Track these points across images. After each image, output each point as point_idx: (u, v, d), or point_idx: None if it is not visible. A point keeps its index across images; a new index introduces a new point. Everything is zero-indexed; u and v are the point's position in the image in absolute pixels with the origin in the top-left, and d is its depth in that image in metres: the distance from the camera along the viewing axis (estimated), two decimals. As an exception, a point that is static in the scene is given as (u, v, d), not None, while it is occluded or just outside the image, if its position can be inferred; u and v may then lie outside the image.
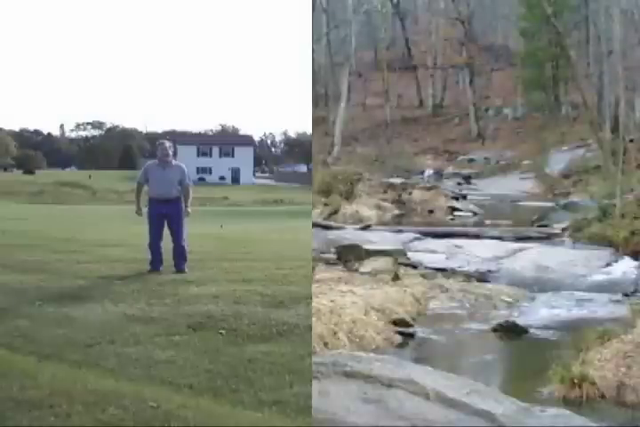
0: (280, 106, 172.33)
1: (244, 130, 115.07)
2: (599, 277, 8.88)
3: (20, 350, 5.19)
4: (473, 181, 26.42)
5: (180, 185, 8.73)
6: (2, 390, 4.17)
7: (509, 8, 41.59)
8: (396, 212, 16.64)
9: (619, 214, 11.20)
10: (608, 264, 9.29)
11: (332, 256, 9.53)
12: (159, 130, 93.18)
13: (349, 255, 9.28)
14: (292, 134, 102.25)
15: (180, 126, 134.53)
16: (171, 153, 8.86)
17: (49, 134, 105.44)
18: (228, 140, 79.57)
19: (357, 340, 6.00)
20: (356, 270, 8.82)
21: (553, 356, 5.36)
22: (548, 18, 24.58)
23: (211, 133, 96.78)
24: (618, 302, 7.92)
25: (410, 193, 18.09)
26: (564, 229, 12.29)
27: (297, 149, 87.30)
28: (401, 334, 6.52)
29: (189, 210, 8.78)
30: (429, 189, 19.20)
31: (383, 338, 6.26)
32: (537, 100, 32.86)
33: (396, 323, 6.65)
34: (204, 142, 76.47)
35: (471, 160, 31.78)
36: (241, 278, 7.98)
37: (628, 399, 4.75)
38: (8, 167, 79.03)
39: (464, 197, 19.41)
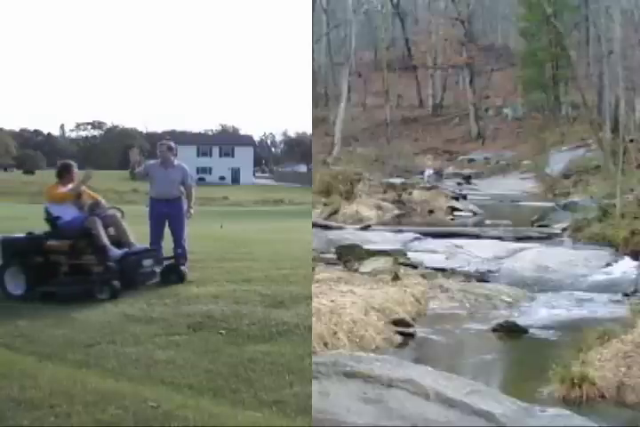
0: (280, 106, 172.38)
1: (244, 130, 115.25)
2: (599, 277, 8.88)
3: (20, 350, 5.21)
4: (473, 181, 26.44)
5: (183, 185, 8.72)
6: (2, 390, 4.17)
7: (509, 8, 41.67)
8: (396, 212, 16.64)
9: (619, 214, 11.20)
10: (608, 264, 9.28)
11: (332, 256, 9.53)
12: (159, 130, 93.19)
13: (349, 255, 9.27)
14: (292, 134, 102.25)
15: (180, 126, 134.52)
16: (172, 153, 8.86)
17: (49, 134, 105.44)
18: (227, 141, 79.56)
19: (357, 340, 6.00)
20: (356, 270, 8.81)
21: (553, 356, 5.36)
22: (548, 18, 24.63)
23: (211, 133, 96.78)
24: (618, 302, 7.93)
25: (410, 193, 18.08)
26: (564, 229, 12.29)
27: (297, 149, 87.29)
28: (401, 334, 6.53)
29: (192, 211, 8.77)
30: (429, 189, 19.20)
31: (383, 338, 6.26)
32: (537, 100, 32.88)
33: (395, 323, 6.65)
34: (203, 142, 76.48)
35: (471, 160, 31.81)
36: (241, 278, 7.97)
37: (628, 399, 4.75)
38: (8, 167, 79.03)
39: (464, 197, 19.41)
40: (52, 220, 7.64)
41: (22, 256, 7.43)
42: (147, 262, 7.60)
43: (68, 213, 7.62)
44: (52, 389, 4.19)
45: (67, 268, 7.41)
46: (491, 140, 34.34)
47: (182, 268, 7.97)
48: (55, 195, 7.74)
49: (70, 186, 7.85)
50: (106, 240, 7.39)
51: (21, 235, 7.79)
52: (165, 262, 7.94)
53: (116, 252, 7.38)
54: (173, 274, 7.88)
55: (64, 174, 7.95)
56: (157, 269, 7.78)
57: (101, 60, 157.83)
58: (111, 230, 7.63)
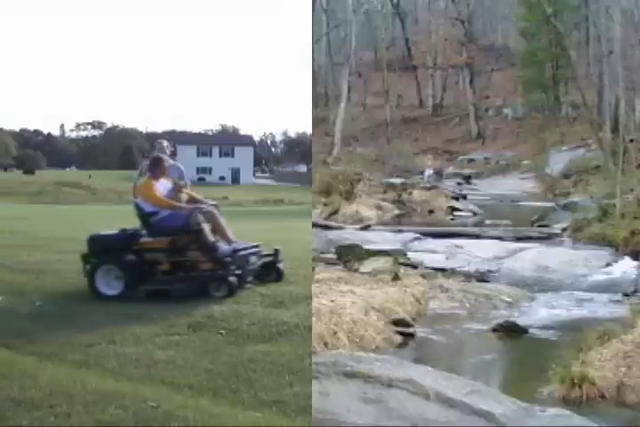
0: (280, 106, 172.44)
1: (244, 130, 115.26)
2: (599, 277, 8.88)
3: (20, 350, 5.20)
4: (473, 181, 26.46)
5: (178, 185, 8.72)
6: (2, 390, 4.17)
7: (509, 8, 41.71)
8: (396, 212, 16.64)
9: (619, 214, 11.19)
10: (608, 264, 9.28)
11: (332, 256, 9.53)
12: (159, 130, 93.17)
13: (349, 255, 9.27)
14: (292, 134, 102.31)
15: (180, 126, 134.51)
16: (168, 153, 8.86)
17: (49, 134, 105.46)
18: (227, 141, 79.54)
19: (357, 340, 6.00)
20: (356, 270, 8.81)
21: (553, 356, 5.36)
22: (548, 18, 24.64)
23: (211, 133, 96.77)
24: (618, 302, 7.93)
25: (410, 193, 18.09)
26: (564, 229, 12.29)
27: (297, 149, 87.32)
28: (401, 334, 6.52)
29: None
30: (429, 189, 19.21)
31: (383, 338, 6.26)
32: (537, 100, 32.90)
33: (395, 323, 6.65)
34: (203, 142, 76.47)
35: (471, 160, 31.82)
36: (241, 278, 7.95)
37: (628, 399, 4.75)
38: (8, 167, 79.04)
39: (464, 197, 19.41)
40: (145, 216, 7.24)
41: (115, 255, 7.06)
42: (253, 259, 7.31)
43: (164, 208, 7.21)
44: (51, 389, 4.18)
45: (167, 266, 7.03)
46: (491, 140, 34.35)
47: (280, 265, 7.63)
48: (153, 198, 7.24)
49: (164, 181, 7.48)
50: (212, 236, 7.04)
51: (113, 232, 7.42)
52: (264, 260, 7.57)
53: (225, 248, 7.05)
54: (273, 272, 7.53)
55: (154, 169, 7.52)
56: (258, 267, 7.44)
57: (102, 60, 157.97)
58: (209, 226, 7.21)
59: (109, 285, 7.03)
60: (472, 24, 38.71)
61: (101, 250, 7.24)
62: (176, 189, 7.50)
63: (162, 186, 7.44)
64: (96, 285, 7.05)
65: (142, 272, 7.02)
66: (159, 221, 7.17)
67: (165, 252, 7.05)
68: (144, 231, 7.34)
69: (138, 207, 7.34)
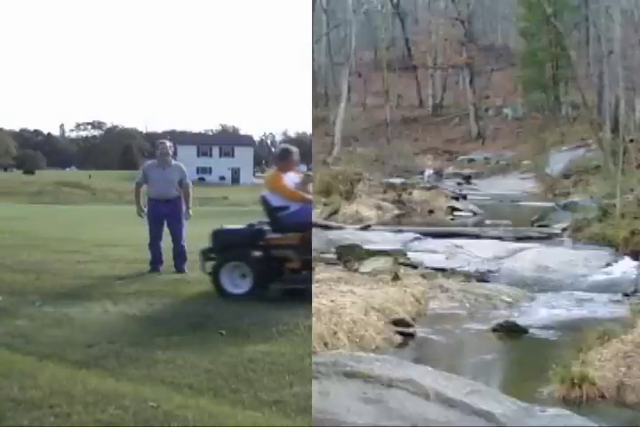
0: (280, 106, 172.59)
1: (244, 130, 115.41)
2: (599, 277, 8.86)
3: (20, 350, 5.19)
4: (473, 181, 26.44)
5: (180, 185, 8.73)
6: (2, 390, 4.17)
7: (509, 8, 41.73)
8: (396, 212, 16.63)
9: (619, 214, 11.18)
10: (608, 264, 9.26)
11: (332, 256, 9.52)
12: (159, 130, 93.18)
13: (349, 255, 9.26)
14: (292, 134, 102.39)
15: (180, 126, 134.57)
16: (170, 153, 8.88)
17: (49, 134, 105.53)
18: (228, 140, 79.61)
19: (357, 340, 5.99)
20: (356, 270, 8.80)
21: (553, 356, 5.35)
22: (548, 18, 24.65)
23: (211, 133, 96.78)
24: (618, 302, 7.92)
25: (410, 193, 18.07)
26: (564, 229, 12.27)
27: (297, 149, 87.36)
28: (401, 334, 6.52)
29: (191, 211, 8.75)
30: (429, 189, 19.20)
31: (383, 338, 6.25)
32: (537, 100, 32.91)
33: (395, 323, 6.64)
34: (203, 142, 76.51)
35: (471, 160, 31.82)
36: (241, 278, 7.94)
37: (628, 399, 4.74)
38: (8, 167, 79.08)
39: (464, 197, 19.40)
40: (272, 210, 6.93)
41: (242, 251, 6.74)
42: None
43: (295, 202, 6.92)
44: (52, 389, 4.18)
45: (297, 263, 6.70)
46: (491, 140, 34.36)
47: None
48: (283, 190, 6.96)
49: (292, 174, 7.24)
50: None
51: (239, 226, 7.11)
52: None
53: None
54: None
55: (281, 161, 7.29)
56: None
57: (101, 59, 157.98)
58: None
59: (235, 283, 6.79)
60: (472, 24, 38.72)
61: (226, 246, 6.90)
62: (305, 183, 7.18)
63: (289, 179, 7.16)
64: (220, 282, 6.77)
65: (271, 270, 6.72)
66: (288, 216, 6.87)
67: (295, 249, 6.70)
68: (266, 227, 7.02)
69: (264, 201, 7.03)
